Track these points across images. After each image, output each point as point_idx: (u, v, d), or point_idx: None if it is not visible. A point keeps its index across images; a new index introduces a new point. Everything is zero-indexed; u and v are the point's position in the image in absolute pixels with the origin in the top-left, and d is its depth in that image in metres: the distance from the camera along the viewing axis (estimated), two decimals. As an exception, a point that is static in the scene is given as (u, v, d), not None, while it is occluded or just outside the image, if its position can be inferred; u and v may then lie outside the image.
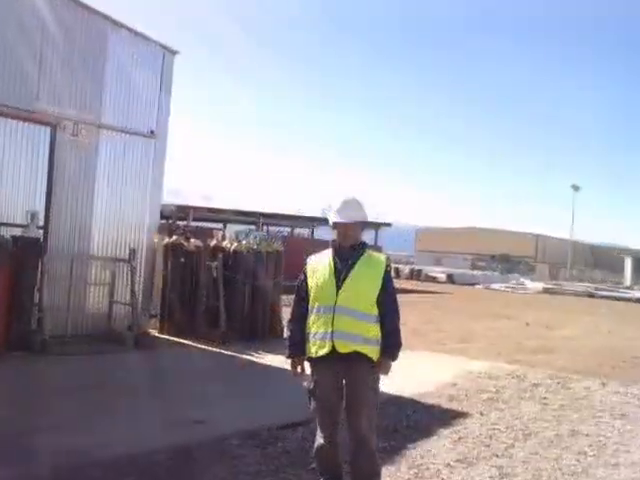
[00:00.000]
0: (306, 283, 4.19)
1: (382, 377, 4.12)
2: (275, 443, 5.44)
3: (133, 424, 5.80)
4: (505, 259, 64.63)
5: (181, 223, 23.92)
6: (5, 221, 9.50)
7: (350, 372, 4.00)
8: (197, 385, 7.57)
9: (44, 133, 9.94)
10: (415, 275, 46.58)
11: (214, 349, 10.11)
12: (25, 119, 9.67)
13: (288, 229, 37.58)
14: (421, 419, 6.49)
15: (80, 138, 10.35)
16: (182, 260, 11.53)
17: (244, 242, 11.67)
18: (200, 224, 28.57)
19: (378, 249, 30.12)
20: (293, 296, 4.31)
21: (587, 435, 6.27)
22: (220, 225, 33.50)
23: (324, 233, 35.95)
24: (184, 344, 10.60)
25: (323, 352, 3.99)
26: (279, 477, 4.69)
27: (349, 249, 4.12)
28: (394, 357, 4.08)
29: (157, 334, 11.36)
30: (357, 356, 3.96)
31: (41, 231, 9.70)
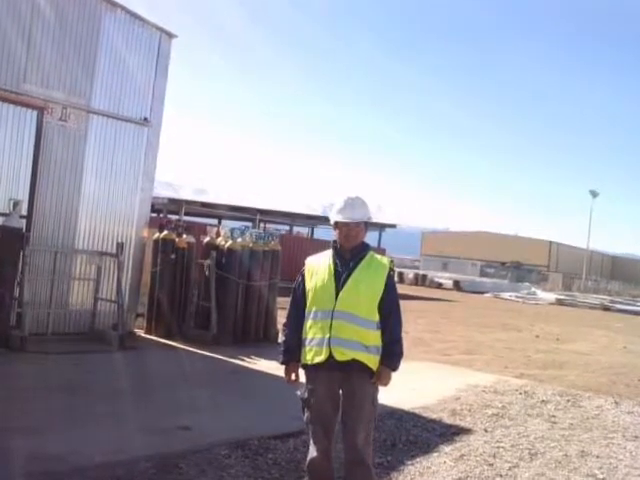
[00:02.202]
0: (304, 285, 4.18)
1: (381, 388, 4.11)
2: (265, 454, 5.43)
3: (114, 429, 5.78)
4: (516, 267, 64.66)
5: (173, 217, 23.90)
6: (-15, 209, 9.48)
7: (347, 382, 3.99)
8: (184, 389, 7.56)
9: (30, 116, 9.91)
10: (420, 280, 46.70)
11: (204, 352, 10.10)
12: (11, 101, 9.64)
13: (287, 227, 37.61)
14: (421, 434, 6.48)
15: (68, 123, 10.34)
16: (173, 257, 11.52)
17: (239, 240, 11.65)
18: (193, 219, 28.55)
19: (381, 251, 30.11)
20: (289, 298, 4.30)
21: (597, 457, 6.26)
22: (214, 221, 33.49)
23: (324, 233, 36.00)
24: (172, 346, 10.59)
25: (319, 359, 3.98)
26: (268, 491, 4.69)
27: (350, 251, 4.11)
28: (395, 367, 4.07)
29: (144, 334, 11.36)
30: (355, 365, 3.95)
31: (24, 221, 9.68)
